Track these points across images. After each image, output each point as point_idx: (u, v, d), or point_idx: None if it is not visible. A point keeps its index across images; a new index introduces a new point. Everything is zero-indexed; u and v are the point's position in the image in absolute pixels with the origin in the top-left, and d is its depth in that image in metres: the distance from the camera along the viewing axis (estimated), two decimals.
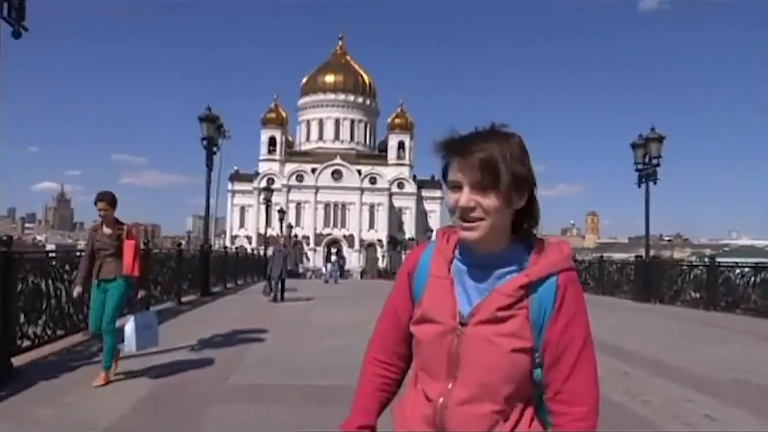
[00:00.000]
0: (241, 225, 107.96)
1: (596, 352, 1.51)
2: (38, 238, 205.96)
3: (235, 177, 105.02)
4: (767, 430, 5.17)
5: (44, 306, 7.86)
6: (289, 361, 7.90)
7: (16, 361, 6.83)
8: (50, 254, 10.09)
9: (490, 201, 1.41)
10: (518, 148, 1.45)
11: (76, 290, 6.67)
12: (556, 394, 1.47)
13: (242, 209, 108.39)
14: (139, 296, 6.96)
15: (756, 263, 17.33)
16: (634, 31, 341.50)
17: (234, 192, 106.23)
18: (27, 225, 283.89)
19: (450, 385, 1.47)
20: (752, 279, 15.48)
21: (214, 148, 18.40)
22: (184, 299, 15.10)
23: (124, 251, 6.40)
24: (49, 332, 7.95)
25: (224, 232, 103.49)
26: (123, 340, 6.67)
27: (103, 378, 6.28)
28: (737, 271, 16.63)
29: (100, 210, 6.41)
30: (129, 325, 6.77)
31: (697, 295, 17.20)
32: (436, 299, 1.51)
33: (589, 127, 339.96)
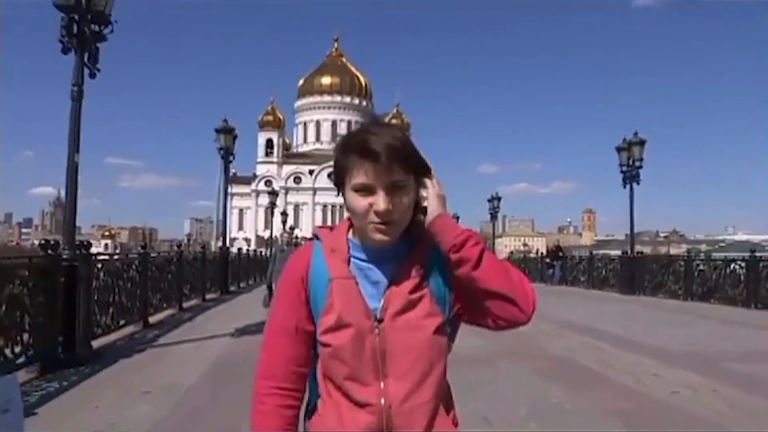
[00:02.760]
0: (240, 227, 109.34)
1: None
2: (36, 243, 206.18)
3: (233, 179, 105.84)
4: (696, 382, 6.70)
5: (112, 300, 9.35)
6: None
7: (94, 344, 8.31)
8: (114, 256, 11.60)
9: (403, 201, 1.40)
10: (411, 141, 1.44)
11: None
12: (495, 318, 1.47)
13: (240, 211, 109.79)
14: None
15: (725, 257, 18.94)
16: (628, 24, 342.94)
17: (232, 194, 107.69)
18: (24, 230, 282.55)
19: (382, 385, 1.43)
20: (723, 271, 17.02)
21: (231, 158, 20.02)
22: (207, 297, 16.65)
23: None
24: (115, 322, 9.47)
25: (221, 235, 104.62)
26: None
27: None
28: (711, 264, 18.27)
29: None
30: None
31: (676, 287, 18.70)
32: (347, 301, 1.45)
33: (585, 124, 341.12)
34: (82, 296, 7.76)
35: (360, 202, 1.40)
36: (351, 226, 1.54)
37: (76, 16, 7.99)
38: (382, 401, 1.41)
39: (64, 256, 7.65)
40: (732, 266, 16.78)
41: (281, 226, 54.22)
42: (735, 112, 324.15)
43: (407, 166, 1.39)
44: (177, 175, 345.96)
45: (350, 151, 1.41)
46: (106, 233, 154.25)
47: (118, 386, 6.53)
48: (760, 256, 16.07)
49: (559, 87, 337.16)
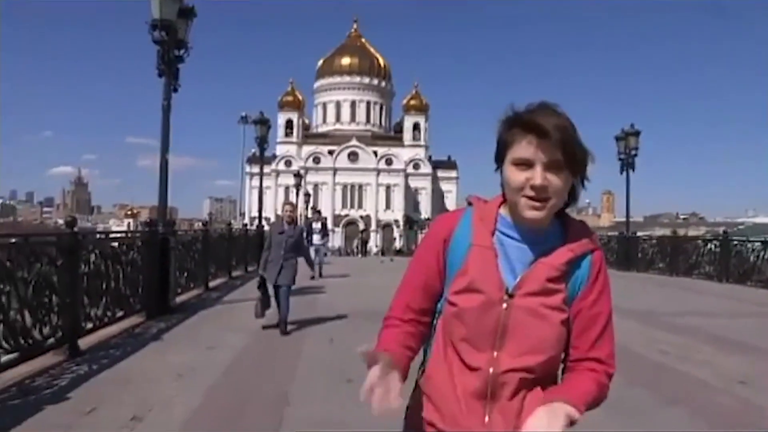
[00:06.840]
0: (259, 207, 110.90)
1: None
2: (59, 222, 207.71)
3: (253, 160, 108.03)
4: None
5: (186, 267, 11.79)
6: (348, 304, 11.67)
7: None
8: (189, 232, 14.08)
9: (560, 181, 1.43)
10: (576, 130, 1.47)
11: None
12: (580, 360, 1.53)
13: (260, 191, 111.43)
14: None
15: (707, 239, 21.08)
16: (650, 12, 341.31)
17: (252, 174, 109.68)
18: (45, 209, 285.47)
19: (495, 354, 1.46)
20: (703, 249, 19.40)
21: (265, 145, 22.66)
22: (249, 269, 19.11)
23: None
24: (188, 284, 11.91)
25: (242, 214, 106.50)
26: None
27: None
28: (692, 244, 20.61)
29: None
30: None
31: (663, 264, 20.87)
32: (483, 269, 1.49)
33: (604, 105, 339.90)
34: (172, 262, 10.13)
35: (517, 175, 1.45)
36: (503, 202, 1.57)
37: (167, 47, 10.25)
38: (491, 369, 1.46)
39: (161, 231, 9.99)
40: (709, 246, 19.06)
41: (305, 207, 55.55)
42: (758, 94, 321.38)
43: (568, 149, 1.42)
44: (196, 155, 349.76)
45: (515, 125, 1.47)
46: (128, 212, 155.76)
47: (208, 325, 8.96)
48: (731, 237, 18.25)
49: (577, 68, 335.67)
